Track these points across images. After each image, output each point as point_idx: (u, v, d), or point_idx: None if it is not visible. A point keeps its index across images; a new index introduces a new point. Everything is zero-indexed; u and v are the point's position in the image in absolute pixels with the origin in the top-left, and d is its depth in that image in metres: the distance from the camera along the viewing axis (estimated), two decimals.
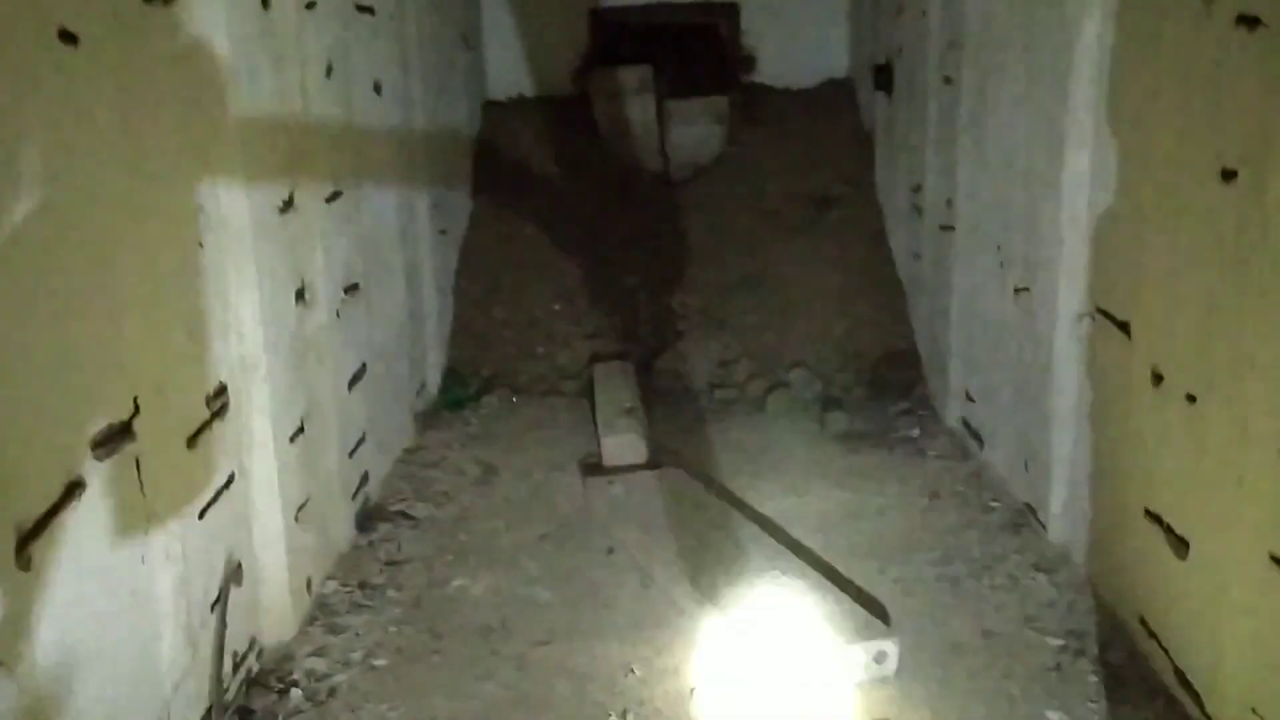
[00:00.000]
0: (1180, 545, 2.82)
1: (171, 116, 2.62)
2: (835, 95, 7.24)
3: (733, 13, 7.41)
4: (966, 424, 4.75)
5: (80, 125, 2.16)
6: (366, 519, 4.07)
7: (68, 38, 2.11)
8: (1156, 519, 2.95)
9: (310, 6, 3.58)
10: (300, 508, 3.36)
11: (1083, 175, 3.45)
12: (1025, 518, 3.97)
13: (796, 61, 7.35)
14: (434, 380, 5.51)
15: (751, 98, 7.24)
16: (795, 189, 6.61)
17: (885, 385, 5.41)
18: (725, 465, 4.66)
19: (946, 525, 4.03)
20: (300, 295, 3.43)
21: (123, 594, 2.28)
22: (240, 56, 2.94)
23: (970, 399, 4.71)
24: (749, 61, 7.44)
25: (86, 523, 2.10)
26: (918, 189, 5.37)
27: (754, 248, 6.31)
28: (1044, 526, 3.83)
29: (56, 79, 2.08)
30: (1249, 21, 2.43)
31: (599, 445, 4.74)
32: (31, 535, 1.89)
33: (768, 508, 4.18)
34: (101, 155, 2.25)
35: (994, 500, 4.17)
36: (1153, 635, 3.00)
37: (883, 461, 4.68)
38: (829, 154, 6.80)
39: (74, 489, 2.05)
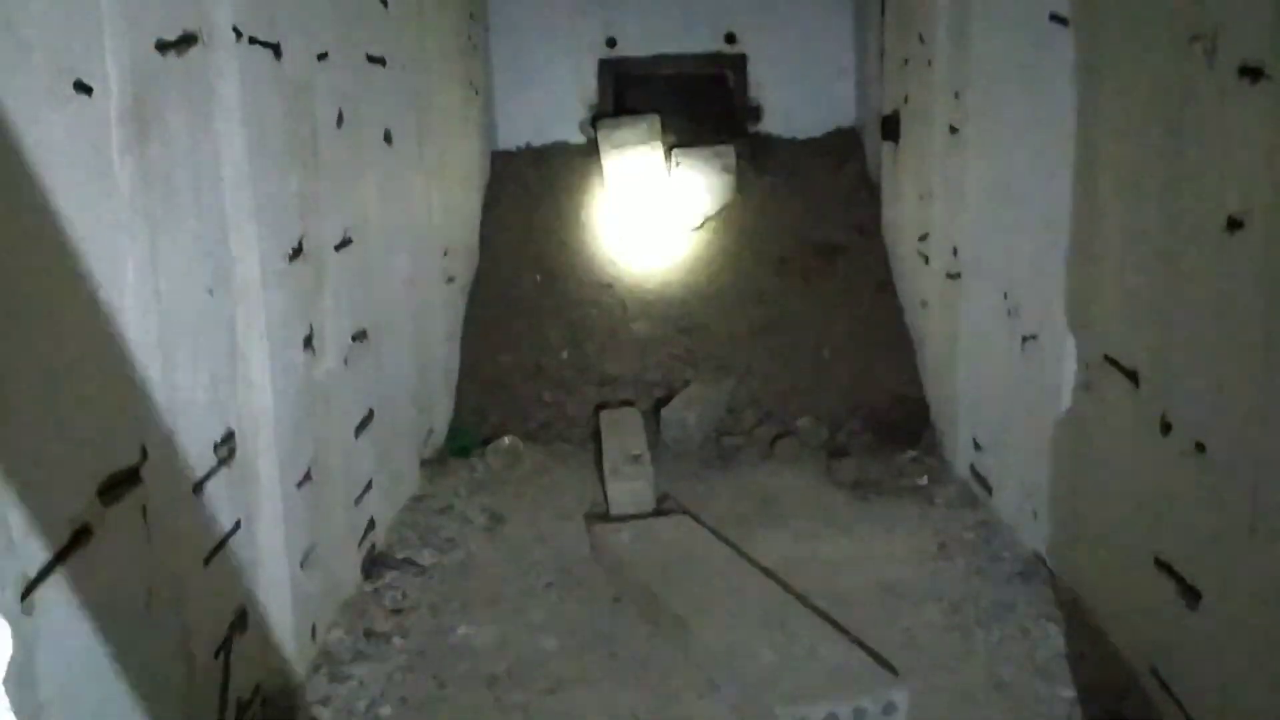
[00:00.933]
0: (1191, 595, 2.79)
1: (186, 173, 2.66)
2: (842, 144, 7.29)
3: (740, 64, 7.49)
4: (975, 472, 4.73)
5: (103, 191, 2.20)
6: (372, 566, 4.06)
7: (82, 88, 2.14)
8: (1167, 568, 2.93)
9: (322, 57, 3.63)
10: (306, 554, 3.36)
11: (1089, 225, 3.47)
12: (1035, 566, 3.94)
13: (804, 111, 7.42)
14: (441, 427, 5.51)
15: (759, 147, 7.30)
16: (803, 237, 6.64)
17: (893, 433, 5.39)
18: (733, 513, 4.65)
19: (956, 574, 4.00)
20: (308, 342, 3.45)
21: (127, 641, 2.27)
22: (251, 103, 2.98)
23: (978, 447, 4.70)
24: (756, 111, 7.51)
25: (93, 569, 2.09)
26: (924, 237, 5.39)
27: (761, 295, 6.33)
28: (1054, 575, 3.80)
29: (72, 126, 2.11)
30: (1252, 73, 2.46)
31: (605, 493, 4.73)
32: (38, 581, 1.89)
33: (775, 555, 4.15)
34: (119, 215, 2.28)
35: (1004, 549, 4.15)
36: (1165, 686, 2.97)
37: (891, 509, 4.66)
38: (836, 202, 6.85)
39: (81, 535, 2.05)
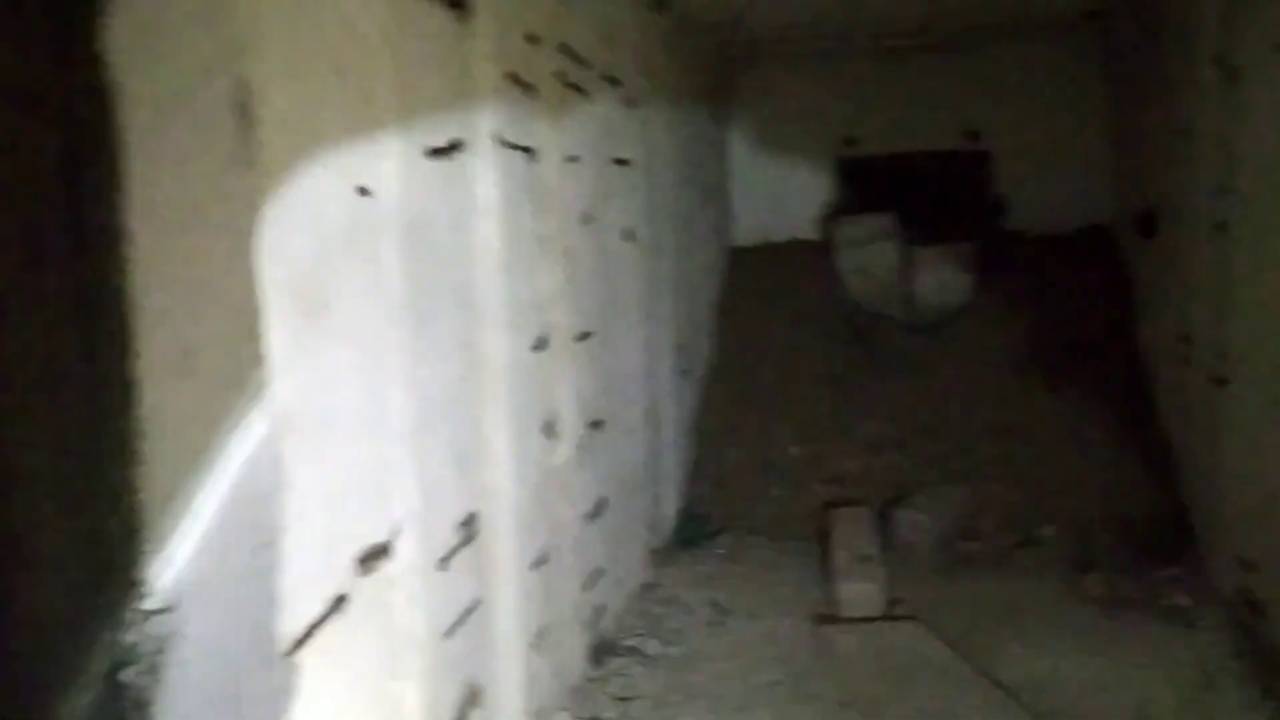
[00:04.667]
0: None
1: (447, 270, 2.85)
2: (1094, 242, 6.98)
3: (983, 159, 7.35)
4: (1245, 594, 4.31)
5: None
6: (600, 652, 4.11)
7: (363, 192, 2.35)
8: None
9: (572, 159, 3.84)
10: (538, 636, 3.44)
11: None
12: None
13: (1053, 207, 7.17)
14: (670, 517, 5.56)
15: (1003, 244, 7.10)
16: (1049, 337, 6.37)
17: (1150, 547, 5.01)
18: (968, 622, 4.42)
19: (1225, 708, 3.65)
20: (548, 429, 3.58)
21: (375, 707, 2.39)
22: (508, 204, 3.18)
23: (1249, 567, 4.29)
24: (1000, 207, 7.33)
25: (348, 635, 2.23)
26: (1185, 339, 5.06)
27: (1003, 397, 6.10)
28: None
29: (359, 232, 2.32)
30: None
31: (833, 593, 4.62)
32: (300, 643, 2.03)
33: (1016, 672, 3.91)
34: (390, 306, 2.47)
35: (1279, 683, 3.75)
36: None
37: (1147, 631, 4.30)
38: (1086, 302, 6.54)
39: (339, 602, 2.19)
